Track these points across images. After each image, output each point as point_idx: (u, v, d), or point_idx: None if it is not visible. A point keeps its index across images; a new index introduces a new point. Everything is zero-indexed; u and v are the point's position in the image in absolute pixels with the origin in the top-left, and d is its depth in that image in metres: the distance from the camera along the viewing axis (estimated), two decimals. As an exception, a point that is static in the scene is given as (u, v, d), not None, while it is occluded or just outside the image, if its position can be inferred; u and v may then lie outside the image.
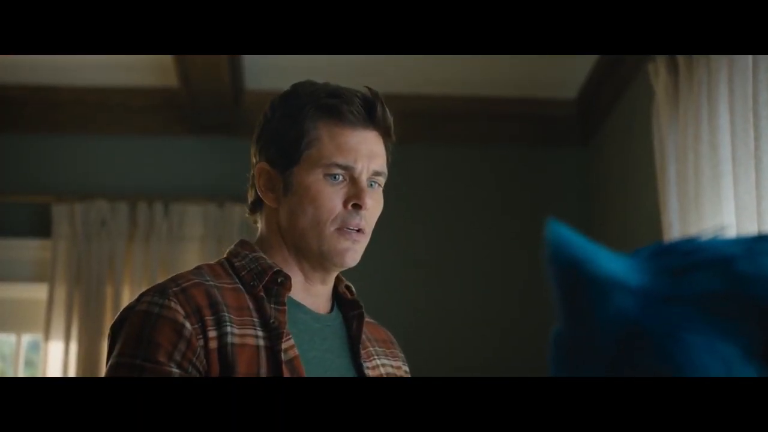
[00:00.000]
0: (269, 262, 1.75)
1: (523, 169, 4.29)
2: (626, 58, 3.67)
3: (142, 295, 1.69)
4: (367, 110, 1.78)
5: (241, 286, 1.73)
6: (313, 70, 2.64)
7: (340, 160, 1.74)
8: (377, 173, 1.79)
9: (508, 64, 3.98)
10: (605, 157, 4.05)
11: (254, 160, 1.83)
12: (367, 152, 1.77)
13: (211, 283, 1.70)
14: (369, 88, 1.81)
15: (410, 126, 4.20)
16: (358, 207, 1.74)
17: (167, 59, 3.87)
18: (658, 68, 2.93)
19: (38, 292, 4.16)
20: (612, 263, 0.72)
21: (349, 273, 1.89)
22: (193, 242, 4.12)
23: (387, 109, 1.81)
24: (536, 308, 4.00)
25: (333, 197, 1.74)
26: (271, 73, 3.89)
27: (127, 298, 3.97)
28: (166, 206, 4.17)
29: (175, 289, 1.67)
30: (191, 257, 4.06)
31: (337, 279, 1.86)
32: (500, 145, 4.30)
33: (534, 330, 3.98)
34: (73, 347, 3.99)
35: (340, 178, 1.74)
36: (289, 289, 1.74)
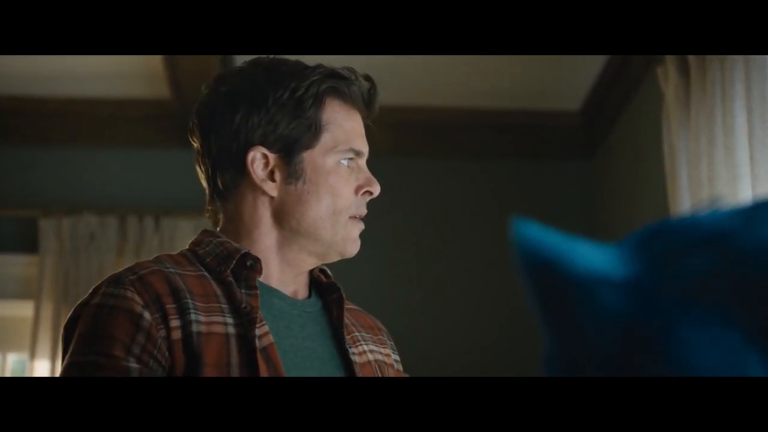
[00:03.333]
0: (236, 245, 1.62)
1: (525, 182, 4.22)
2: (632, 65, 3.60)
3: (96, 288, 1.56)
4: (369, 93, 1.72)
5: (206, 273, 1.60)
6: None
7: (355, 146, 1.68)
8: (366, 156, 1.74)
9: (510, 75, 3.93)
10: (611, 169, 3.98)
11: (234, 144, 1.64)
12: (364, 136, 1.72)
13: (173, 270, 1.57)
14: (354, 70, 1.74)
15: (410, 137, 4.15)
16: (368, 194, 1.68)
17: (158, 69, 3.79)
18: (667, 70, 2.85)
19: (24, 309, 4.05)
20: (592, 256, 0.63)
21: (348, 282, 1.78)
22: (184, 257, 4.02)
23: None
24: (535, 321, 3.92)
25: (348, 185, 1.66)
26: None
27: (115, 316, 3.85)
28: (156, 220, 4.06)
29: (131, 277, 1.54)
30: (183, 273, 3.95)
31: None
32: (502, 157, 4.23)
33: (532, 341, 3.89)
34: (60, 366, 3.87)
35: (348, 161, 1.67)
36: (260, 273, 1.61)
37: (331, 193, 1.64)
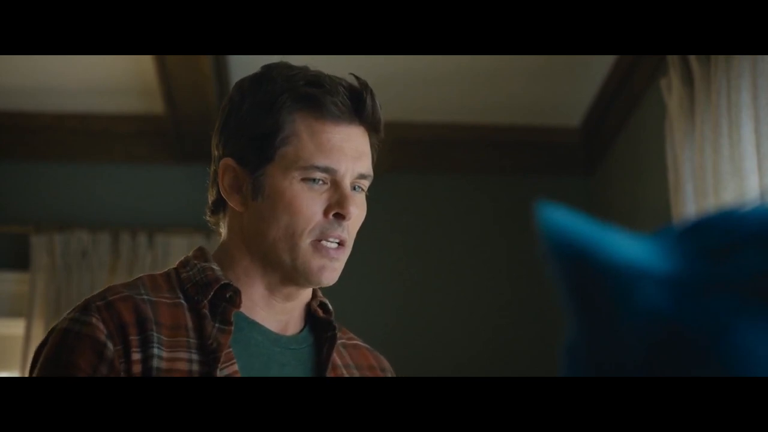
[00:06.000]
0: (218, 273, 1.53)
1: (525, 198, 4.16)
2: (634, 79, 3.56)
3: (69, 312, 1.50)
4: (354, 102, 1.55)
5: (183, 302, 1.52)
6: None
7: (321, 162, 1.52)
8: (363, 176, 1.56)
9: (510, 91, 3.90)
10: (612, 184, 3.94)
11: (216, 153, 1.59)
12: (352, 152, 1.55)
13: (145, 297, 1.50)
14: (356, 77, 1.58)
15: (408, 154, 4.11)
16: (340, 217, 1.52)
17: (151, 84, 3.74)
18: (671, 82, 2.81)
19: (15, 327, 3.98)
20: (630, 248, 0.60)
21: (344, 294, 1.72)
22: (178, 275, 3.97)
23: (377, 101, 1.58)
24: (536, 335, 3.88)
25: (311, 204, 1.52)
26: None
27: (108, 334, 3.80)
28: (150, 237, 4.01)
29: (99, 303, 1.47)
30: (176, 291, 3.91)
31: (312, 293, 1.63)
32: (502, 173, 4.19)
33: (531, 358, 3.84)
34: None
35: (321, 182, 1.53)
36: (238, 306, 1.52)
37: (289, 213, 1.52)
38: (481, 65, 3.61)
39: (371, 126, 1.58)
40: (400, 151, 4.08)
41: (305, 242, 1.52)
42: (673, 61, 2.78)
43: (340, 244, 1.54)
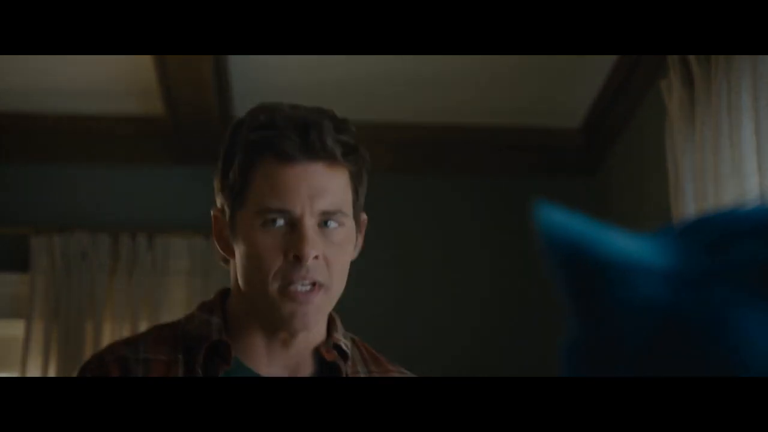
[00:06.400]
0: (213, 328, 1.53)
1: (525, 200, 4.16)
2: (634, 80, 3.56)
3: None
4: (305, 139, 1.51)
5: (180, 357, 1.53)
6: (306, 94, 2.53)
7: (274, 204, 1.50)
8: (327, 213, 1.52)
9: (509, 92, 3.89)
10: (613, 186, 3.95)
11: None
12: (309, 190, 1.51)
13: (142, 356, 1.52)
14: (318, 110, 1.55)
15: (408, 155, 4.11)
16: (298, 259, 1.49)
17: (151, 86, 3.74)
18: (671, 83, 2.80)
19: (14, 328, 3.98)
20: (628, 244, 0.61)
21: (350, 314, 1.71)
22: (178, 276, 3.97)
23: (326, 135, 1.52)
24: (535, 335, 3.88)
25: (271, 248, 1.50)
26: (261, 97, 3.74)
27: (107, 335, 3.81)
28: (150, 238, 4.00)
29: (92, 366, 1.54)
30: (176, 292, 3.91)
31: (328, 332, 1.59)
32: (502, 175, 4.19)
33: (531, 358, 3.84)
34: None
35: (281, 222, 1.50)
36: (229, 363, 1.51)
37: (253, 259, 1.51)
38: (481, 66, 3.61)
39: (331, 160, 1.53)
40: (400, 153, 4.08)
41: (272, 288, 1.50)
42: (673, 62, 2.77)
43: (313, 286, 1.51)
